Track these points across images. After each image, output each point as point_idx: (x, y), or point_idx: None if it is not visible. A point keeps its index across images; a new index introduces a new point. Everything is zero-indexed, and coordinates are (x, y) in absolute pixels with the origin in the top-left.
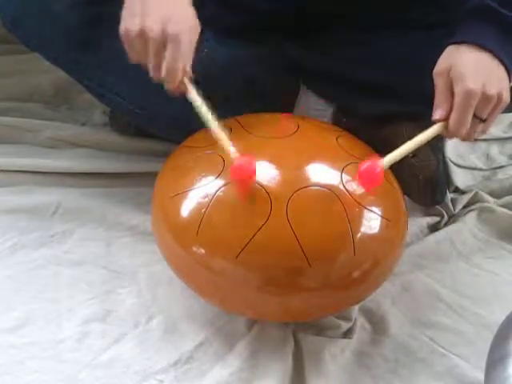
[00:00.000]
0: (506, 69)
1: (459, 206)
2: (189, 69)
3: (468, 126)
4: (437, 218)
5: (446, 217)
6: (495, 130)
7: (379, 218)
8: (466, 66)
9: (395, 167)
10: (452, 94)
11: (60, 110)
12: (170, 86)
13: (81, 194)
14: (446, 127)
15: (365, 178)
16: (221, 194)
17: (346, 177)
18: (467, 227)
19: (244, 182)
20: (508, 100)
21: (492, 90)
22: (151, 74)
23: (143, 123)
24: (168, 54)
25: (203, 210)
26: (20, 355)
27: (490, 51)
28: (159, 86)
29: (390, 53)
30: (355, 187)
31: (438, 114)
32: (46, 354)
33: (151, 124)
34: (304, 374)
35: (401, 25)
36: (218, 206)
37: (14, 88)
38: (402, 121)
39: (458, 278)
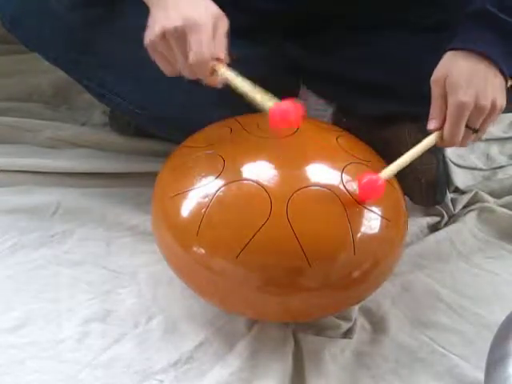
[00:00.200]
0: (504, 74)
1: (459, 206)
2: (222, 56)
3: (460, 136)
4: (437, 218)
5: (445, 217)
6: (495, 130)
7: (379, 218)
8: (461, 76)
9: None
10: (447, 105)
11: (60, 110)
12: (204, 78)
13: (81, 194)
14: (441, 137)
15: (366, 191)
16: (221, 193)
17: (346, 177)
18: (467, 227)
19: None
20: (503, 106)
21: (485, 101)
22: (184, 73)
23: (143, 123)
24: (192, 43)
25: (203, 210)
26: (20, 355)
27: (488, 58)
28: (159, 86)
29: (389, 53)
30: (355, 187)
31: (432, 124)
32: (45, 353)
33: (151, 124)
34: (304, 374)
35: (401, 25)
36: (218, 206)
37: (14, 88)
38: (402, 121)
39: (458, 278)
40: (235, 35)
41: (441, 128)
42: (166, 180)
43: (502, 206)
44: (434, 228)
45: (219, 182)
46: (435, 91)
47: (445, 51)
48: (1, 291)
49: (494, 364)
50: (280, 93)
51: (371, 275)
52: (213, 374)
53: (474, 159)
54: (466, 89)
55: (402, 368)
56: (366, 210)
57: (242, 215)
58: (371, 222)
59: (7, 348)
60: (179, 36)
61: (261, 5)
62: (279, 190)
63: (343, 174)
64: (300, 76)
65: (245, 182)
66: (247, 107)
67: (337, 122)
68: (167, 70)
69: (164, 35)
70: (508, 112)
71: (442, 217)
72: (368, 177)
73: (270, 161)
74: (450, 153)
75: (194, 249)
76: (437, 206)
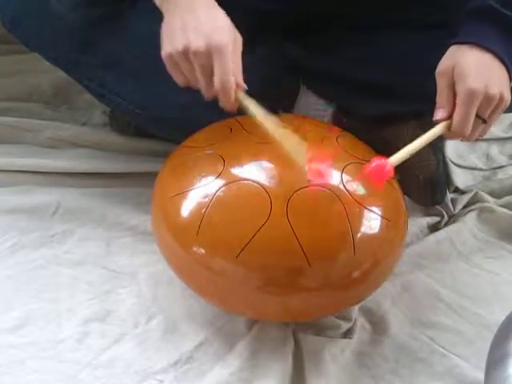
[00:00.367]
0: (507, 69)
1: (459, 206)
2: (241, 82)
3: (471, 125)
4: (437, 218)
5: (445, 217)
6: (495, 129)
7: (379, 218)
8: (469, 66)
9: (396, 167)
10: (454, 95)
11: (60, 110)
12: (225, 103)
13: (81, 194)
14: (448, 127)
15: (374, 176)
16: (221, 193)
17: (346, 177)
18: (467, 227)
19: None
20: (509, 100)
21: (494, 90)
22: (204, 93)
23: (143, 123)
24: (217, 67)
25: (203, 210)
26: (20, 355)
27: (492, 52)
28: (159, 86)
29: (389, 53)
30: (355, 187)
31: (439, 113)
32: (45, 353)
33: (151, 124)
34: (304, 374)
35: (401, 25)
36: (218, 206)
37: (14, 88)
38: (402, 121)
39: (458, 278)
40: None
41: (448, 118)
42: (166, 180)
43: (502, 205)
44: (433, 228)
45: (219, 182)
46: (441, 82)
47: (448, 46)
48: (1, 291)
49: (494, 364)
50: (280, 93)
51: (371, 275)
52: (213, 374)
53: (474, 159)
54: (476, 77)
55: (402, 368)
56: (365, 210)
57: (242, 215)
58: (371, 222)
59: (7, 348)
60: (203, 57)
61: (261, 5)
62: (279, 189)
63: (343, 174)
64: (300, 76)
65: (245, 182)
66: None
67: (337, 122)
68: (182, 81)
69: (186, 53)
70: (508, 112)
71: (442, 217)
72: (376, 161)
73: (270, 161)
74: (450, 153)
75: (194, 249)
76: (437, 206)
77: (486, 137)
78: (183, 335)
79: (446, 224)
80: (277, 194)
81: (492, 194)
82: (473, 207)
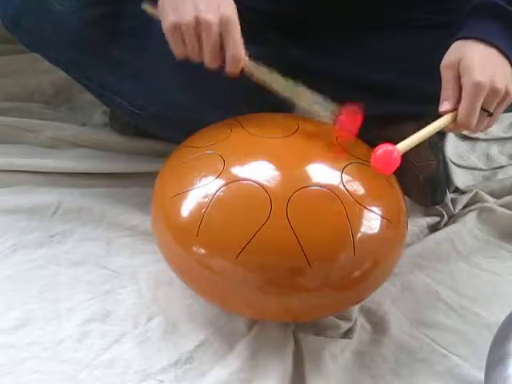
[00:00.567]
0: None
1: (459, 206)
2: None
3: (476, 118)
4: (437, 218)
5: (445, 217)
6: (495, 129)
7: (379, 218)
8: (474, 59)
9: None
10: (459, 88)
11: (60, 110)
12: (233, 73)
13: (81, 194)
14: (454, 119)
15: (380, 163)
16: (221, 194)
17: (346, 177)
18: (467, 227)
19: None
20: None
21: (500, 84)
22: (208, 64)
23: (143, 123)
24: (228, 40)
25: (203, 210)
26: (20, 355)
27: (496, 47)
28: (159, 87)
29: (390, 53)
30: (355, 187)
31: (445, 105)
32: (46, 353)
33: (151, 124)
34: (304, 374)
35: (401, 25)
36: (218, 206)
37: (14, 88)
38: (402, 122)
39: (457, 278)
40: None
41: (453, 110)
42: (166, 180)
43: (502, 205)
44: (433, 228)
45: (219, 182)
46: (447, 74)
47: (452, 42)
48: (1, 291)
49: (493, 364)
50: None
51: (371, 275)
52: (213, 374)
53: (474, 159)
54: (482, 70)
55: (402, 368)
56: (366, 210)
57: (242, 215)
58: (371, 222)
59: (7, 348)
60: (214, 29)
61: (261, 5)
62: (279, 190)
63: (343, 174)
64: (300, 76)
65: (245, 182)
66: (247, 107)
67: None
68: (182, 53)
69: (198, 23)
70: (508, 112)
71: (442, 217)
72: (383, 147)
73: (270, 161)
74: (450, 153)
75: (194, 249)
76: (437, 206)
77: (485, 137)
78: (183, 335)
79: (446, 224)
80: (277, 194)
81: (492, 194)
82: (473, 207)
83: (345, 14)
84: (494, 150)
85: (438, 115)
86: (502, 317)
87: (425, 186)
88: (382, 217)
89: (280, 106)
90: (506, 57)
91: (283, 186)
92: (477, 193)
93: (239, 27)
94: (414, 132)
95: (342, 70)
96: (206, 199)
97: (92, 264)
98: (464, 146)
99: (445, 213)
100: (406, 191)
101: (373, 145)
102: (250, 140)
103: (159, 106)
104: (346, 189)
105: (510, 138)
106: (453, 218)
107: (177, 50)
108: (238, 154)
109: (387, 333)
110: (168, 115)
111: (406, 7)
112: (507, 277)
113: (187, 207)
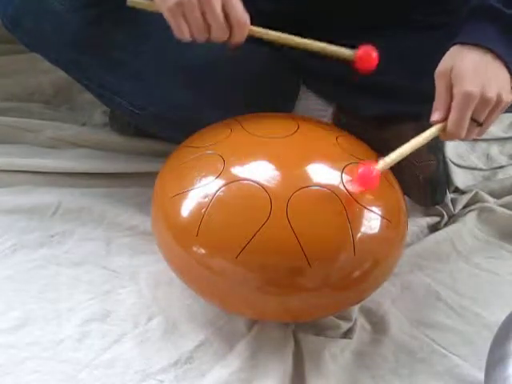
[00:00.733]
0: (509, 69)
1: (459, 206)
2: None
3: (465, 128)
4: (437, 218)
5: (445, 217)
6: (495, 130)
7: (379, 218)
8: (466, 68)
9: (395, 167)
10: (451, 97)
11: (60, 110)
12: (239, 39)
13: (81, 194)
14: (443, 129)
15: (361, 181)
16: (221, 193)
17: (346, 177)
18: (467, 227)
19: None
20: (509, 101)
21: (491, 93)
22: (215, 38)
23: (143, 123)
24: (231, 8)
25: (203, 210)
26: (20, 355)
27: (493, 52)
28: (159, 87)
29: (390, 53)
30: (355, 187)
31: (436, 115)
32: (46, 353)
33: (151, 124)
34: (304, 374)
35: (401, 25)
36: (218, 206)
37: (14, 88)
38: (402, 122)
39: (457, 278)
40: None
41: (444, 120)
42: (166, 180)
43: (502, 205)
44: (433, 228)
45: (219, 182)
46: (440, 84)
47: (449, 46)
48: (1, 291)
49: (493, 364)
50: (280, 93)
51: (371, 275)
52: (213, 374)
53: (474, 159)
54: (472, 79)
55: (402, 368)
56: (366, 210)
57: (242, 215)
58: (371, 222)
59: (7, 348)
60: (216, 3)
61: (261, 4)
62: (279, 190)
63: (343, 174)
64: (300, 76)
65: (245, 182)
66: (247, 107)
67: (337, 122)
68: (186, 33)
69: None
70: (508, 112)
71: (442, 217)
72: (362, 167)
73: (270, 161)
74: (450, 153)
75: (194, 249)
76: (437, 206)
77: (485, 137)
78: (183, 335)
79: (446, 224)
80: (277, 194)
81: (492, 194)
82: (473, 207)
83: (345, 14)
84: (494, 149)
85: None
86: (502, 317)
87: (425, 186)
88: (382, 217)
89: (280, 106)
90: (503, 61)
91: (283, 185)
92: (477, 193)
93: None
94: (415, 132)
95: (342, 70)
96: (206, 199)
97: (92, 264)
98: (464, 146)
99: (445, 213)
100: (406, 191)
101: (373, 145)
102: (250, 140)
103: (159, 106)
104: (346, 189)
105: (510, 137)
106: (453, 218)
107: (180, 30)
108: (238, 154)
109: (387, 333)
110: (168, 115)
111: (405, 8)
112: (507, 277)
113: (187, 207)
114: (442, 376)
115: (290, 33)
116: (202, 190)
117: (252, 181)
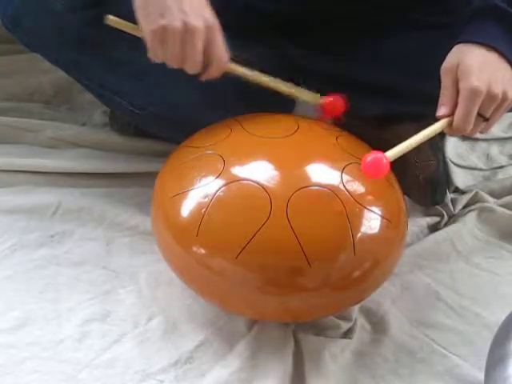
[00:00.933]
0: None
1: (459, 206)
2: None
3: (472, 123)
4: (437, 218)
5: (445, 217)
6: (495, 129)
7: (379, 218)
8: (473, 64)
9: (395, 167)
10: (458, 92)
11: (60, 110)
12: (215, 76)
13: (81, 194)
14: (450, 124)
15: (370, 169)
16: (221, 193)
17: (346, 177)
18: (467, 227)
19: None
20: None
21: (497, 89)
22: (189, 69)
23: (143, 123)
24: (213, 46)
25: (203, 210)
26: (20, 355)
27: (497, 50)
28: (159, 87)
29: (390, 53)
30: (355, 187)
31: (442, 110)
32: (46, 353)
33: (151, 124)
34: (304, 374)
35: (402, 25)
36: (218, 206)
37: (14, 88)
38: (402, 122)
39: (457, 278)
40: (235, 35)
41: (450, 115)
42: (166, 180)
43: (502, 205)
44: (433, 228)
45: (219, 182)
46: (446, 79)
47: (453, 45)
48: (1, 291)
49: (493, 364)
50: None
51: (371, 275)
52: (213, 374)
53: (474, 159)
54: (479, 75)
55: (402, 368)
56: (366, 210)
57: (242, 215)
58: (371, 222)
59: (7, 348)
60: (200, 35)
61: (261, 4)
62: (279, 190)
63: (343, 174)
64: (300, 76)
65: (245, 182)
66: (247, 107)
67: (337, 122)
68: (162, 57)
69: (185, 29)
70: (508, 112)
71: (442, 217)
72: (373, 155)
73: (270, 161)
74: (450, 153)
75: (194, 249)
76: (437, 206)
77: (485, 137)
78: (183, 335)
79: (446, 224)
80: (277, 194)
81: (492, 194)
82: (473, 207)
83: (345, 14)
84: (494, 149)
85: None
86: (502, 317)
87: (425, 185)
88: (382, 217)
89: (280, 105)
90: (507, 60)
91: (283, 185)
92: (477, 193)
93: (221, 33)
94: (415, 132)
95: (342, 69)
96: (206, 199)
97: (92, 264)
98: (464, 146)
99: (445, 213)
100: (406, 191)
101: (373, 145)
102: (250, 140)
103: (159, 106)
104: (346, 189)
105: (510, 137)
106: (453, 218)
107: (155, 54)
108: (238, 154)
109: (387, 333)
110: (168, 115)
111: (405, 8)
112: (507, 277)
113: (187, 207)
114: (442, 376)
115: (290, 34)
116: (202, 189)
117: (252, 181)
